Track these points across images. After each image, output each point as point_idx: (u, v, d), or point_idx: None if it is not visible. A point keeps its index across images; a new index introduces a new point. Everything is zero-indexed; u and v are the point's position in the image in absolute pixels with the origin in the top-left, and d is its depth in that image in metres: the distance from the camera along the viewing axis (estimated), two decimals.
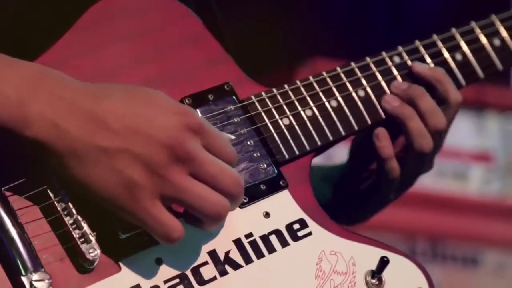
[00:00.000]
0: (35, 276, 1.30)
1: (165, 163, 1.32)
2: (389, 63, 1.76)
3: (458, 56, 1.81)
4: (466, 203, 3.88)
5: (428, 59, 1.78)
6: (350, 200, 1.82)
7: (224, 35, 1.72)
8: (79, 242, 1.35)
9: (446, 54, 1.79)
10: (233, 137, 1.50)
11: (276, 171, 1.57)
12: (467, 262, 3.88)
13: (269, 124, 1.60)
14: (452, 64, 1.79)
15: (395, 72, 1.75)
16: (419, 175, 1.77)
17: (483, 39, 1.83)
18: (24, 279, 1.30)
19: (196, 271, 1.44)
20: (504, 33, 1.83)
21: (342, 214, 1.79)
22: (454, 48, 1.80)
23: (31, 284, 1.30)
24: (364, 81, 1.72)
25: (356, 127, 1.69)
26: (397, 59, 1.77)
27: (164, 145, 1.32)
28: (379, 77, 1.74)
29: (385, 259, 1.54)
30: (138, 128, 1.32)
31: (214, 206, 1.35)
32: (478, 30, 1.83)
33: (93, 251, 1.35)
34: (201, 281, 1.44)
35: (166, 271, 1.41)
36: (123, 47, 1.54)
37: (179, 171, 1.33)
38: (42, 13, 1.52)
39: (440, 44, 1.80)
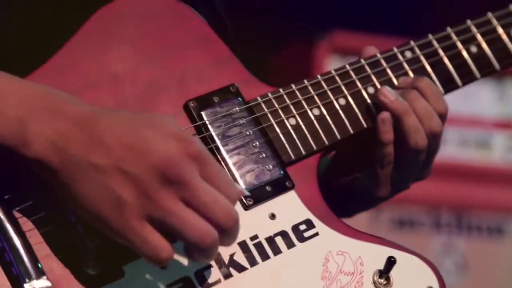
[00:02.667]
0: (37, 284, 1.32)
1: (156, 185, 1.31)
2: (401, 58, 1.74)
3: (473, 49, 1.78)
4: (490, 172, 3.84)
5: (441, 53, 1.76)
6: (332, 195, 1.79)
7: (231, 36, 1.71)
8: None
9: (460, 46, 1.77)
10: (247, 193, 1.49)
11: (282, 172, 1.57)
12: (493, 232, 3.85)
13: (275, 125, 1.60)
14: (467, 57, 1.77)
15: (406, 67, 1.74)
16: (414, 178, 1.72)
17: (500, 30, 1.80)
18: (26, 286, 1.32)
19: (199, 275, 1.45)
20: None
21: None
22: (468, 40, 1.78)
23: None
24: (374, 78, 1.71)
25: (365, 125, 1.68)
26: (408, 54, 1.75)
27: (157, 167, 1.31)
28: (390, 73, 1.73)
29: (392, 259, 1.54)
30: (134, 148, 1.32)
31: (199, 233, 1.31)
32: (495, 21, 1.80)
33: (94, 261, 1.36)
34: (205, 284, 1.45)
35: (170, 276, 1.42)
36: (128, 50, 1.54)
37: (169, 194, 1.31)
38: (46, 19, 1.54)
39: (454, 37, 1.78)
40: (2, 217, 1.33)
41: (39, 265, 1.34)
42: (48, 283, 1.33)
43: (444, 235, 3.91)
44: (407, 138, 1.65)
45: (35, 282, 1.32)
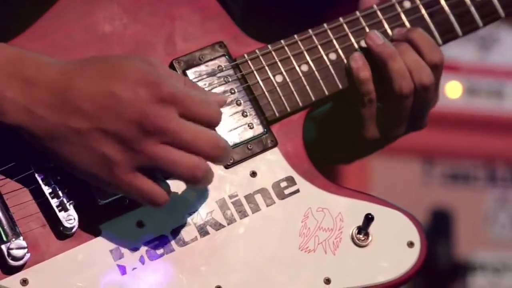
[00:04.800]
0: (13, 244, 1.40)
1: (136, 137, 1.38)
2: (398, 8, 1.73)
3: None
4: None
5: (443, 1, 1.74)
6: (333, 139, 1.80)
7: None
8: (56, 210, 1.44)
9: None
10: (226, 99, 1.53)
11: (265, 129, 1.60)
12: None
13: (260, 83, 1.62)
14: (470, 4, 1.74)
15: (403, 18, 1.72)
16: (406, 127, 1.71)
17: None
18: (3, 246, 1.41)
19: (176, 233, 1.51)
20: None
21: (325, 153, 1.80)
22: None
23: (8, 252, 1.40)
24: (368, 30, 1.70)
25: None
26: (407, 4, 1.73)
27: (133, 120, 1.38)
28: (386, 25, 1.72)
29: (370, 216, 1.56)
30: (108, 106, 1.38)
31: (188, 168, 1.40)
32: None
33: (70, 218, 1.43)
34: (181, 242, 1.51)
35: (146, 234, 1.48)
36: (115, 10, 1.57)
37: (151, 142, 1.38)
38: None
39: None
40: None
41: (16, 227, 1.41)
42: (24, 243, 1.41)
43: (500, 189, 3.86)
44: (392, 83, 1.64)
45: (11, 243, 1.40)
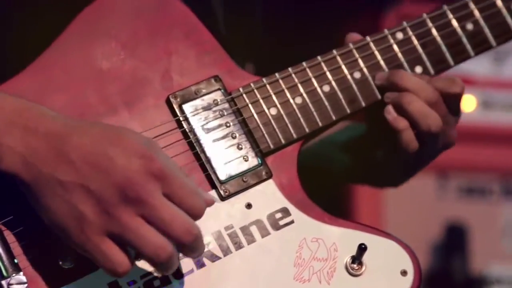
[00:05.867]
0: (13, 280, 1.45)
1: (115, 202, 1.40)
2: (391, 40, 1.76)
3: (469, 26, 1.78)
4: None
5: (435, 32, 1.77)
6: (372, 167, 1.84)
7: (219, 25, 1.76)
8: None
9: (455, 25, 1.77)
10: (216, 199, 1.56)
11: (260, 161, 1.64)
12: None
13: (255, 116, 1.66)
14: (461, 35, 1.77)
15: (396, 49, 1.75)
16: (439, 149, 1.77)
17: (499, 3, 1.79)
18: (3, 282, 1.45)
19: None
20: None
21: (367, 179, 1.84)
22: (465, 17, 1.78)
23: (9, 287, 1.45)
24: (361, 62, 1.74)
25: (348, 110, 1.72)
26: (400, 35, 1.77)
27: (118, 185, 1.41)
28: (378, 56, 1.75)
29: (363, 246, 1.59)
30: (97, 165, 1.41)
31: (153, 248, 1.39)
32: None
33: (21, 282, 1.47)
34: (178, 274, 1.54)
35: (143, 266, 1.52)
36: (113, 45, 1.61)
37: (128, 211, 1.41)
38: (34, 20, 1.63)
39: (450, 14, 1.77)
40: None
41: (15, 262, 1.46)
42: (24, 279, 1.45)
43: None
44: (418, 124, 1.70)
45: (12, 278, 1.45)
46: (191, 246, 1.44)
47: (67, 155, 1.41)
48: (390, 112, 1.70)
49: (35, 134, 1.42)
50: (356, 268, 1.60)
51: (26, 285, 1.45)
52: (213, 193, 1.61)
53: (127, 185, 1.40)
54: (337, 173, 1.92)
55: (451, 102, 1.73)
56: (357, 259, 1.60)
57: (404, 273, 1.60)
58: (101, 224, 1.40)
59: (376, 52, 1.74)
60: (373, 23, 3.55)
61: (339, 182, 1.89)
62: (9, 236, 1.48)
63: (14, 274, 1.45)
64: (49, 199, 1.41)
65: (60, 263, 1.49)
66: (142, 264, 1.50)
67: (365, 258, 1.60)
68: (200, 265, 1.56)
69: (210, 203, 1.50)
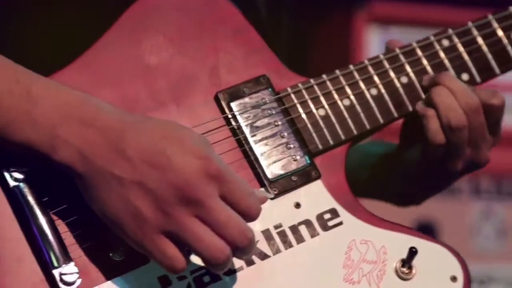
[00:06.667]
0: (64, 269, 1.41)
1: (172, 202, 1.38)
2: (437, 47, 1.75)
3: None
4: None
5: (481, 41, 1.76)
6: (398, 182, 1.83)
7: (266, 28, 1.75)
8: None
9: (500, 34, 1.77)
10: (271, 195, 1.54)
11: (308, 161, 1.62)
12: None
13: (303, 115, 1.64)
14: (506, 43, 1.77)
15: (442, 55, 1.75)
16: (468, 165, 1.74)
17: None
18: (55, 272, 1.41)
19: None
20: None
21: (386, 195, 1.83)
22: (510, 27, 1.77)
23: (60, 277, 1.41)
24: (408, 67, 1.73)
25: (395, 114, 1.70)
26: (446, 43, 1.76)
27: (176, 185, 1.38)
28: (425, 62, 1.74)
29: (414, 249, 1.57)
30: (156, 164, 1.38)
31: (212, 250, 1.37)
32: None
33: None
34: (228, 271, 1.51)
35: (193, 263, 1.49)
36: (162, 42, 1.60)
37: (186, 212, 1.38)
38: (81, 16, 1.60)
39: (495, 24, 1.77)
40: (34, 204, 1.42)
41: (67, 252, 1.42)
42: (75, 269, 1.41)
43: (484, 202, 3.88)
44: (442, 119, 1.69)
45: (63, 268, 1.41)
46: (245, 249, 1.42)
47: (124, 151, 1.38)
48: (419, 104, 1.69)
49: (91, 128, 1.39)
50: (406, 272, 1.58)
51: (77, 275, 1.41)
52: (262, 191, 1.58)
53: (185, 186, 1.37)
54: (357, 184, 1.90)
55: (491, 116, 1.72)
56: (407, 262, 1.58)
57: (454, 279, 1.59)
58: (158, 222, 1.37)
59: (423, 58, 1.73)
60: (344, 21, 3.57)
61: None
62: (61, 226, 1.44)
63: (65, 264, 1.41)
64: (104, 193, 1.38)
65: (111, 255, 1.45)
66: (193, 260, 1.46)
67: (415, 262, 1.57)
68: (250, 262, 1.53)
69: (263, 200, 1.48)
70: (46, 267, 1.42)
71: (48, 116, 1.39)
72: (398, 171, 1.82)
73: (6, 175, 1.43)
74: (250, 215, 1.42)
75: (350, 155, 1.69)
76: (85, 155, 1.39)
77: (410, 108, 1.72)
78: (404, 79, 1.72)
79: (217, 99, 1.61)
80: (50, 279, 1.42)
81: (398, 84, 1.72)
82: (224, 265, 1.41)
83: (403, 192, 1.85)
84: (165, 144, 1.39)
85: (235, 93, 1.62)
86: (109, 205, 1.39)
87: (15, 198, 1.43)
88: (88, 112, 1.41)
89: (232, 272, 1.52)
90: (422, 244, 1.59)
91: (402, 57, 1.73)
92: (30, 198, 1.42)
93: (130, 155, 1.39)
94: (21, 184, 1.43)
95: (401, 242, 1.59)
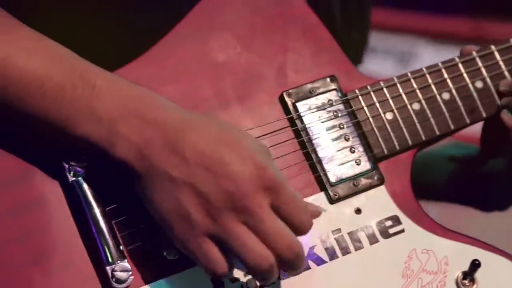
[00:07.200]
0: (118, 267, 1.42)
1: (222, 208, 1.37)
2: None
3: None
4: None
5: None
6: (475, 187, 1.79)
7: (338, 27, 1.72)
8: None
9: None
10: (325, 210, 1.51)
11: (372, 166, 1.59)
12: None
13: (370, 119, 1.61)
14: None
15: None
16: None
17: None
18: (108, 268, 1.43)
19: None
20: None
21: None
22: None
23: (112, 274, 1.42)
24: (484, 71, 1.67)
25: (467, 120, 1.65)
26: None
27: (227, 191, 1.37)
28: (503, 66, 1.68)
29: (477, 262, 1.52)
30: (211, 168, 1.37)
31: (255, 256, 1.35)
32: None
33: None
34: (282, 275, 1.50)
35: (237, 269, 1.47)
36: (230, 39, 1.58)
37: (233, 218, 1.37)
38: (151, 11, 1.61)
39: None
40: (91, 200, 1.44)
41: (121, 249, 1.43)
42: (128, 266, 1.43)
43: None
44: None
45: (116, 265, 1.42)
46: (291, 263, 1.40)
47: (182, 152, 1.38)
48: (505, 113, 1.64)
49: (152, 125, 1.39)
50: (468, 284, 1.53)
51: (130, 272, 1.42)
52: (322, 195, 1.56)
53: (236, 194, 1.36)
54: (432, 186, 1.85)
55: None
56: (469, 275, 1.53)
57: None
58: (205, 225, 1.37)
59: (501, 62, 1.67)
60: None
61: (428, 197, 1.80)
62: (116, 224, 1.46)
63: (119, 261, 1.42)
64: (156, 192, 1.38)
65: (165, 254, 1.46)
66: (237, 268, 1.46)
67: (478, 275, 1.53)
68: (305, 267, 1.51)
69: (316, 215, 1.46)
70: (99, 264, 1.44)
71: (110, 111, 1.39)
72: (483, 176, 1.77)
73: (66, 168, 1.44)
74: (301, 230, 1.41)
75: (423, 158, 1.65)
76: (143, 153, 1.39)
77: (484, 115, 1.66)
78: (479, 84, 1.67)
79: (282, 99, 1.59)
80: (103, 276, 1.43)
81: (472, 89, 1.66)
82: (268, 275, 1.39)
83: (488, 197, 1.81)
84: (224, 150, 1.38)
85: (301, 94, 1.59)
86: (161, 204, 1.39)
87: (72, 192, 1.45)
88: (149, 109, 1.41)
89: (287, 276, 1.50)
90: (487, 256, 1.54)
91: (478, 61, 1.68)
92: (88, 193, 1.44)
93: (187, 156, 1.38)
94: (80, 179, 1.44)
95: (465, 253, 1.55)
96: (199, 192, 1.37)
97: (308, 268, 1.52)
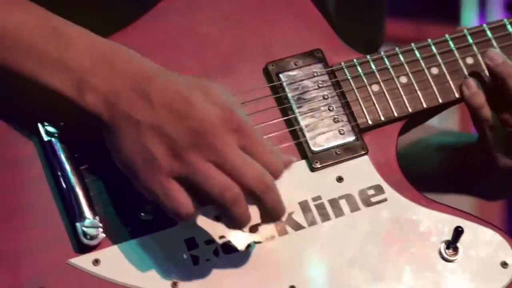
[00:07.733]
0: (87, 222, 1.41)
1: (187, 147, 1.35)
2: (510, 29, 1.67)
3: None
4: None
5: None
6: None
7: (329, 6, 1.71)
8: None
9: None
10: (296, 159, 1.48)
11: (356, 136, 1.56)
12: None
13: (355, 90, 1.59)
14: None
15: None
16: None
17: None
18: (78, 225, 1.42)
19: (254, 230, 1.48)
20: None
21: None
22: None
23: (83, 230, 1.42)
24: (475, 48, 1.65)
25: (456, 95, 1.63)
26: None
27: (192, 129, 1.36)
28: (495, 44, 1.66)
29: (460, 229, 1.48)
30: (176, 110, 1.37)
31: (219, 186, 1.34)
32: None
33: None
34: (259, 238, 1.47)
35: (222, 228, 1.46)
36: (216, 13, 1.59)
37: (199, 156, 1.35)
38: None
39: None
40: (65, 159, 1.44)
41: (92, 206, 1.43)
42: (98, 223, 1.42)
43: None
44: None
45: (86, 221, 1.41)
46: (262, 197, 1.36)
47: (148, 96, 1.38)
48: (470, 87, 1.60)
49: (121, 75, 1.39)
50: (451, 253, 1.49)
51: (100, 229, 1.41)
52: (303, 163, 1.54)
53: (202, 132, 1.35)
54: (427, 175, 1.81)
55: None
56: (452, 243, 1.49)
57: (504, 265, 1.48)
58: (170, 165, 1.35)
59: (493, 40, 1.65)
60: None
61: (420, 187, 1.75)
62: (89, 182, 1.45)
63: (89, 218, 1.41)
64: (122, 140, 1.38)
65: (142, 214, 1.44)
66: (222, 226, 1.44)
67: (462, 244, 1.48)
68: (282, 232, 1.48)
69: (288, 163, 1.42)
70: (71, 223, 1.43)
71: (79, 61, 1.40)
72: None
73: (41, 128, 1.45)
74: (271, 170, 1.37)
75: (415, 147, 1.62)
76: (110, 101, 1.39)
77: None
78: (470, 60, 1.64)
79: (266, 71, 1.59)
80: (74, 233, 1.42)
81: (462, 64, 1.64)
82: (235, 204, 1.36)
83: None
84: (190, 92, 1.38)
85: (285, 65, 1.59)
86: (126, 151, 1.38)
87: (47, 152, 1.45)
88: (120, 60, 1.41)
89: (263, 240, 1.48)
90: (472, 227, 1.50)
91: (469, 38, 1.65)
92: (62, 153, 1.44)
93: (153, 101, 1.38)
94: (54, 139, 1.44)
95: (449, 224, 1.50)
96: (164, 133, 1.36)
97: (286, 233, 1.49)
